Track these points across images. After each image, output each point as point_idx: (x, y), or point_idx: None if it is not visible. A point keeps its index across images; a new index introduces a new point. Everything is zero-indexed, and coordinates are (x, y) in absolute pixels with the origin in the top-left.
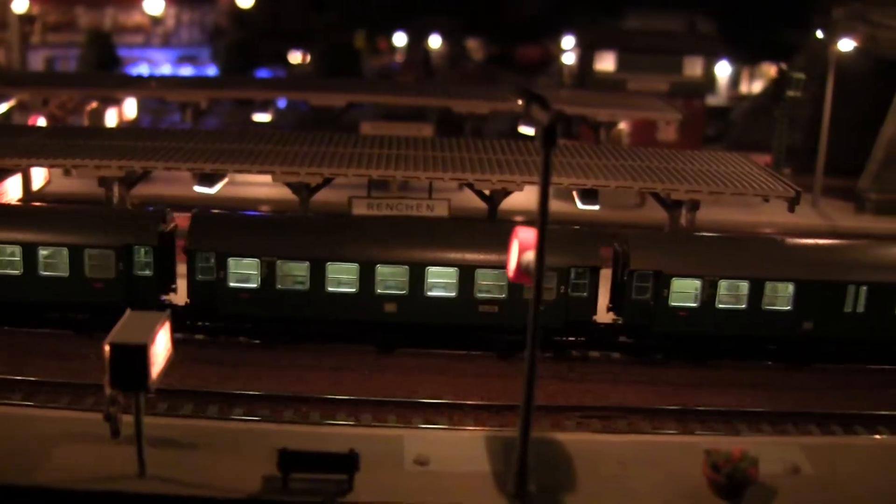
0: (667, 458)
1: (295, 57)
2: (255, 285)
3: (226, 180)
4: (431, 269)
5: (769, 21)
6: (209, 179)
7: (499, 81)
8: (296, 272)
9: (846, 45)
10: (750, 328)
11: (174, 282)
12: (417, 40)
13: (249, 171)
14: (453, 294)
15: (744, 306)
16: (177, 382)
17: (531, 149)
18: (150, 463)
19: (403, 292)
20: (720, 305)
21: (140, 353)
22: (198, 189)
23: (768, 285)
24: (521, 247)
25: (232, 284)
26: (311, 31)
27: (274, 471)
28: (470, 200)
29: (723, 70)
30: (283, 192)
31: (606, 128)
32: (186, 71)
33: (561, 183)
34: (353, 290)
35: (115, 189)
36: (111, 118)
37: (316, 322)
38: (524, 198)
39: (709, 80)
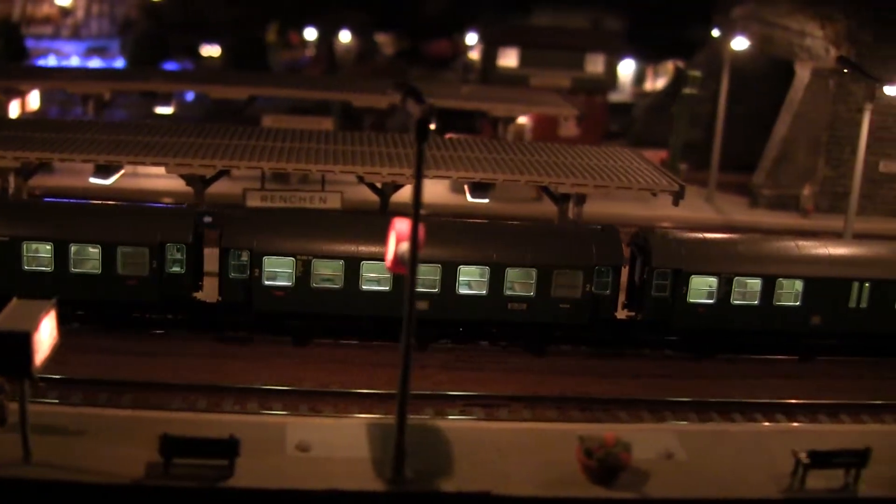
0: (544, 445)
1: (206, 50)
2: (290, 283)
3: (122, 172)
4: (463, 269)
5: (676, 19)
6: (105, 171)
7: (408, 76)
8: (331, 270)
9: (739, 43)
10: (762, 323)
11: (202, 279)
12: (328, 35)
13: (143, 163)
14: (484, 292)
15: (757, 302)
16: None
17: (429, 143)
18: (36, 450)
19: (436, 290)
20: (735, 302)
21: (24, 341)
22: (93, 180)
23: (779, 282)
24: (398, 237)
25: (267, 282)
26: (223, 24)
27: (157, 457)
28: (369, 193)
29: (627, 67)
30: (184, 184)
31: (504, 122)
32: (95, 63)
33: (449, 176)
34: (387, 288)
35: (11, 180)
36: (14, 110)
37: (350, 319)
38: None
39: (611, 77)
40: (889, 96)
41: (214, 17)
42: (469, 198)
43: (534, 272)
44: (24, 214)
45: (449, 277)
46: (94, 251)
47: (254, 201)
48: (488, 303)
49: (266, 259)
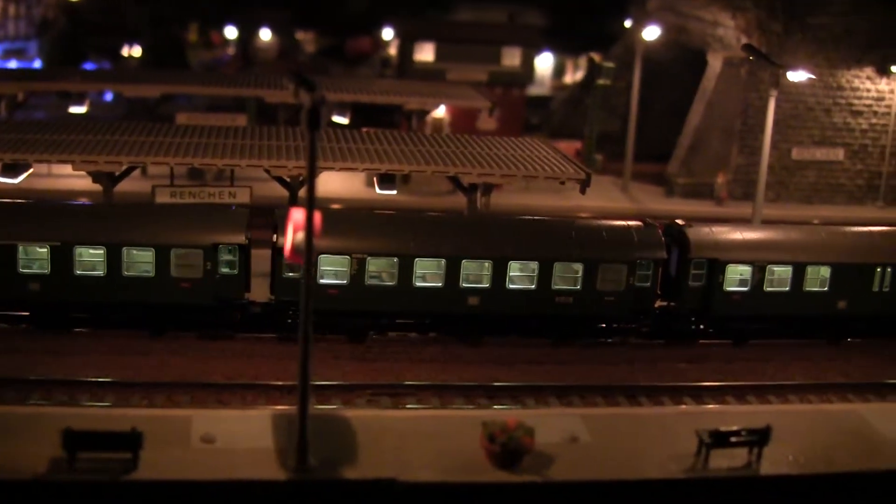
0: (450, 432)
1: (127, 51)
2: (344, 281)
3: (31, 171)
4: (513, 264)
5: (597, 13)
6: (12, 170)
7: (329, 73)
8: (385, 268)
9: (650, 33)
10: (792, 308)
11: (250, 279)
12: (248, 33)
13: (49, 161)
14: (532, 286)
15: (787, 289)
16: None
17: (339, 136)
18: None
19: (486, 286)
20: (767, 289)
21: None
22: (1, 180)
23: (809, 269)
24: (295, 227)
25: (321, 281)
26: (142, 24)
27: (61, 452)
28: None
29: (545, 61)
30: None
31: (417, 116)
32: (13, 65)
33: (355, 168)
34: (439, 284)
35: None
36: None
37: (402, 315)
38: (338, 185)
39: (528, 71)
40: (799, 84)
41: (133, 17)
42: (377, 189)
43: (580, 267)
44: (75, 219)
45: (499, 273)
46: (146, 254)
47: (163, 197)
48: (538, 297)
49: (321, 258)
